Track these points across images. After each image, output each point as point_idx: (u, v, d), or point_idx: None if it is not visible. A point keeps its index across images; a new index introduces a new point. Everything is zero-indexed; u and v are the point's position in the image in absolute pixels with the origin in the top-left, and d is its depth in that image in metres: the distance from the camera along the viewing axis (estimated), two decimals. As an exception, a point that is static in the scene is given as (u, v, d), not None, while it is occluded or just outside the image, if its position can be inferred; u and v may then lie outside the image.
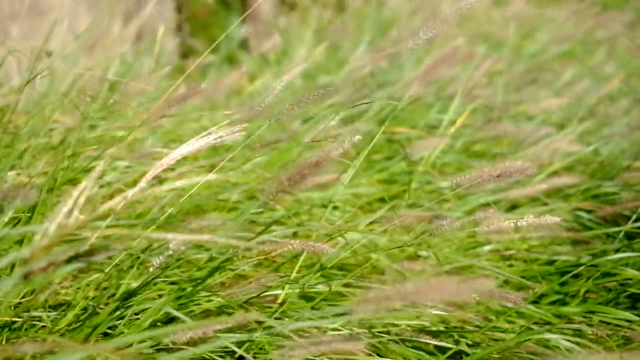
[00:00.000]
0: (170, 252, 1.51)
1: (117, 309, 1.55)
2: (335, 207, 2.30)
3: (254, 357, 1.57)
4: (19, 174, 2.00)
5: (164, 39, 2.99)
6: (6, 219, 1.69)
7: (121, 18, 3.63)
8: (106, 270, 1.66)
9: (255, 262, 1.99)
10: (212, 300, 1.72)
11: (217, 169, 1.75)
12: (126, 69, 3.31)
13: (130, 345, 1.44)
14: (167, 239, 1.50)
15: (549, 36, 5.08)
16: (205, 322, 1.26)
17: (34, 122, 2.21)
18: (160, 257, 1.52)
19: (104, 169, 2.03)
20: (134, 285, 1.63)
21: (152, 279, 1.58)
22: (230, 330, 1.47)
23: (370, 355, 1.71)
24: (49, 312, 1.68)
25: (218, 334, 1.41)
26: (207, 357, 1.60)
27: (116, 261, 1.64)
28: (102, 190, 1.99)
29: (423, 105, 3.34)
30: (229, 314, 1.62)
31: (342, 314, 1.67)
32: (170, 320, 1.69)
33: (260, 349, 1.59)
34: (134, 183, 1.53)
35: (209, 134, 1.47)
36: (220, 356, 1.64)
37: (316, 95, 1.64)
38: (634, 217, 2.31)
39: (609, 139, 3.08)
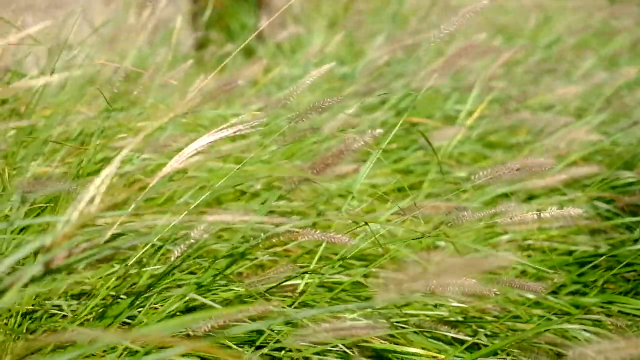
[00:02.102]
0: (192, 240, 1.51)
1: (137, 298, 1.56)
2: (352, 197, 2.31)
3: (276, 343, 1.57)
4: (40, 165, 2.01)
5: (180, 31, 2.99)
6: (27, 209, 1.70)
7: (137, 10, 3.63)
8: (128, 261, 1.67)
9: (274, 253, 2.00)
10: (231, 290, 1.73)
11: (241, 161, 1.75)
12: (143, 60, 3.32)
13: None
14: (197, 220, 1.50)
15: (564, 26, 5.06)
16: (227, 310, 1.27)
17: (54, 113, 2.22)
18: (182, 247, 1.53)
19: (124, 158, 2.03)
20: (156, 274, 1.64)
21: (173, 268, 1.58)
22: (250, 319, 1.48)
23: (389, 344, 1.71)
24: (70, 301, 1.69)
25: (238, 323, 1.42)
26: (227, 344, 1.61)
27: (139, 253, 1.65)
28: (121, 180, 1.99)
29: (440, 96, 3.34)
30: (249, 304, 1.63)
31: (362, 304, 1.68)
32: (190, 310, 1.70)
33: (280, 338, 1.60)
34: (152, 173, 1.54)
35: (230, 125, 1.48)
36: (239, 345, 1.65)
37: (335, 101, 1.64)
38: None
39: (627, 129, 3.07)
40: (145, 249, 1.64)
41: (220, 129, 1.44)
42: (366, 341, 1.70)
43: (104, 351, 1.52)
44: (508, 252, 2.20)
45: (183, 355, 1.54)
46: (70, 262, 1.12)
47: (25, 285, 1.03)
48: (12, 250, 1.58)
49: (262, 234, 1.59)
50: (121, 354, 1.49)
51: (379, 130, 1.54)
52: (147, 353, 1.40)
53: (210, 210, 1.63)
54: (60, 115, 2.24)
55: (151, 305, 1.63)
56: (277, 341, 1.57)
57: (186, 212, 1.53)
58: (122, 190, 1.18)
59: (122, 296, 1.62)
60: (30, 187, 1.38)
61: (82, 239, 1.19)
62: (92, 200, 1.09)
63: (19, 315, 1.57)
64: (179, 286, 1.70)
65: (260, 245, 1.60)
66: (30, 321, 1.62)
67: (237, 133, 1.42)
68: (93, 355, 1.50)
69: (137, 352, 1.44)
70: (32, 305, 1.62)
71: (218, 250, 1.88)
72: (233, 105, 2.92)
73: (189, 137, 2.17)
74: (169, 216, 1.55)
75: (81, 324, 1.59)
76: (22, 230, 1.75)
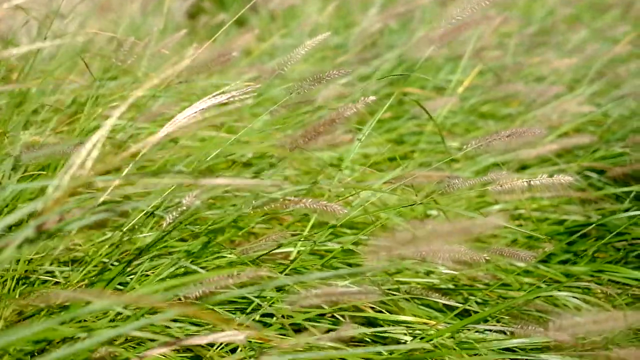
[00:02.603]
0: (184, 207, 1.51)
1: (129, 264, 1.56)
2: (345, 167, 2.31)
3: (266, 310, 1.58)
4: (31, 134, 2.01)
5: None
6: (20, 177, 1.70)
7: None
8: (121, 228, 1.67)
9: (267, 220, 2.00)
10: (223, 258, 1.73)
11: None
12: (136, 30, 3.30)
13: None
14: (191, 184, 1.50)
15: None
16: (218, 273, 1.27)
17: (45, 82, 2.21)
18: (174, 213, 1.53)
19: (118, 127, 2.03)
20: (148, 240, 1.64)
21: (165, 234, 1.59)
22: (241, 286, 1.48)
23: (380, 312, 1.72)
24: (62, 268, 1.70)
25: (229, 290, 1.43)
26: (218, 310, 1.62)
27: (131, 220, 1.65)
28: (114, 149, 1.99)
29: (433, 66, 3.34)
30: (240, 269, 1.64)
31: (352, 270, 1.69)
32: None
33: (271, 305, 1.60)
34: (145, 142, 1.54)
35: (222, 93, 1.48)
36: (230, 312, 1.66)
37: (332, 75, 1.63)
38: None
39: (619, 101, 3.07)
40: (139, 217, 1.65)
41: (213, 96, 1.44)
42: (357, 309, 1.71)
43: (96, 317, 1.53)
44: (497, 217, 2.21)
45: (174, 321, 1.55)
46: (62, 226, 1.12)
47: (20, 247, 1.03)
48: (4, 215, 1.58)
49: (254, 202, 1.59)
50: (112, 319, 1.49)
51: (372, 98, 1.54)
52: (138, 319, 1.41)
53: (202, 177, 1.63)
54: (52, 84, 2.24)
55: (143, 273, 1.64)
56: (270, 306, 1.58)
57: (178, 178, 1.53)
58: (114, 156, 1.18)
59: (114, 263, 1.63)
60: (22, 152, 1.38)
61: (74, 204, 1.19)
62: (83, 164, 1.09)
63: (13, 280, 1.57)
64: (171, 254, 1.71)
65: (253, 213, 1.60)
66: (23, 286, 1.62)
67: (230, 99, 1.42)
68: (85, 320, 1.50)
69: (128, 317, 1.45)
70: (25, 271, 1.62)
71: (210, 218, 1.89)
72: (226, 75, 2.91)
73: (182, 106, 2.17)
74: (162, 182, 1.56)
75: (74, 291, 1.60)
76: (15, 198, 1.75)
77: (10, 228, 1.56)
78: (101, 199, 1.34)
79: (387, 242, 1.13)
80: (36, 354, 1.41)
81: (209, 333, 1.13)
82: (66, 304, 1.43)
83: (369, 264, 1.17)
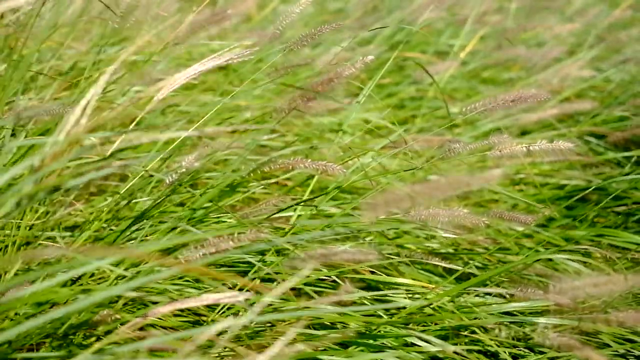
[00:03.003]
0: (183, 170, 1.51)
1: (129, 227, 1.56)
2: (344, 132, 2.31)
3: (267, 274, 1.58)
4: (30, 99, 2.01)
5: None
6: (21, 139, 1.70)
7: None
8: (120, 192, 1.67)
9: (267, 185, 2.00)
10: (223, 222, 1.73)
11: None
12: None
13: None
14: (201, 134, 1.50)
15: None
16: (219, 235, 1.27)
17: (44, 47, 2.20)
18: (173, 175, 1.53)
19: (113, 88, 2.03)
20: (148, 204, 1.64)
21: (165, 197, 1.59)
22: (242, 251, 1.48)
23: (379, 275, 1.72)
24: (63, 233, 1.70)
25: (229, 255, 1.43)
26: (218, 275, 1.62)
27: (129, 183, 1.65)
28: (112, 112, 1.98)
29: (434, 31, 3.32)
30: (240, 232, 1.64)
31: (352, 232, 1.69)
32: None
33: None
34: (144, 106, 1.53)
35: (221, 54, 1.47)
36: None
37: (331, 28, 1.62)
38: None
39: (620, 66, 3.06)
40: (137, 178, 1.64)
41: (212, 57, 1.43)
42: (357, 273, 1.71)
43: (96, 281, 1.53)
44: (499, 187, 2.21)
45: (173, 284, 1.55)
46: (61, 182, 1.12)
47: (19, 204, 1.03)
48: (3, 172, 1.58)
49: (254, 164, 1.59)
50: (113, 283, 1.50)
51: (370, 57, 1.53)
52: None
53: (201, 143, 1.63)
54: (51, 50, 2.23)
55: (142, 238, 1.64)
56: (274, 265, 1.58)
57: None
58: (110, 113, 1.18)
59: (112, 228, 1.63)
60: (21, 112, 1.38)
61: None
62: (78, 121, 1.09)
63: (14, 246, 1.57)
64: (171, 219, 1.71)
65: (253, 175, 1.60)
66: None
67: (229, 61, 1.42)
68: (88, 284, 1.51)
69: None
70: (27, 237, 1.62)
71: (210, 181, 1.89)
72: (226, 40, 2.90)
73: (181, 70, 2.16)
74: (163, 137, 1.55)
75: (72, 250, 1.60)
76: (12, 161, 1.75)
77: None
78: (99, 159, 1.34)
79: (385, 200, 1.12)
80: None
81: (209, 295, 1.13)
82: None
83: (365, 216, 1.17)
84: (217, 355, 1.40)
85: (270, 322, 1.53)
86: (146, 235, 1.66)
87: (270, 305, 1.50)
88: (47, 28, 2.46)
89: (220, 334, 1.17)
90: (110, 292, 1.09)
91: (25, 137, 1.78)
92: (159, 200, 1.59)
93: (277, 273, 1.57)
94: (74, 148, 1.05)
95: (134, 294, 1.39)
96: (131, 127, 1.45)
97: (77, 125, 1.05)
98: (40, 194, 1.08)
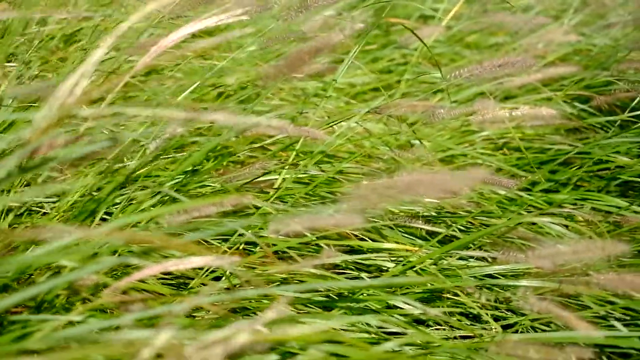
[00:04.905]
0: (168, 135, 1.51)
1: (113, 191, 1.56)
2: (329, 97, 2.31)
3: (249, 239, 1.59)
4: (18, 70, 2.00)
5: None
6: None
7: None
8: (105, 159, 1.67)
9: (252, 149, 2.01)
10: (206, 186, 1.74)
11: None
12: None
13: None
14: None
15: None
16: (200, 201, 1.28)
17: (26, 15, 2.19)
18: (157, 141, 1.53)
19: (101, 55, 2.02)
20: (132, 167, 1.64)
21: (149, 161, 1.59)
22: (225, 215, 1.49)
23: (363, 239, 1.74)
24: (51, 199, 1.70)
25: (213, 219, 1.43)
26: (203, 242, 1.63)
27: (116, 150, 1.65)
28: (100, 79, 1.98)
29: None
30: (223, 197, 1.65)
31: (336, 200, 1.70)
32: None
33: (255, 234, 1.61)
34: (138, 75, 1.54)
35: (210, 16, 1.47)
36: (215, 239, 1.67)
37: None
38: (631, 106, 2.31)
39: (604, 31, 3.07)
40: (124, 144, 1.64)
41: (201, 20, 1.43)
42: (341, 237, 1.72)
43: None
44: (482, 150, 2.22)
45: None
46: (51, 156, 1.12)
47: (9, 176, 1.04)
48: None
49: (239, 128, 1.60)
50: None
51: (360, 25, 1.54)
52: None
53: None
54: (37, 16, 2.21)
55: (126, 203, 1.64)
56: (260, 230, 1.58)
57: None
58: (100, 86, 1.18)
59: (94, 193, 1.63)
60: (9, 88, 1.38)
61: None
62: (71, 92, 1.09)
63: (2, 212, 1.58)
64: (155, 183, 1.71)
65: (237, 140, 1.61)
66: (14, 217, 1.62)
67: (217, 23, 1.41)
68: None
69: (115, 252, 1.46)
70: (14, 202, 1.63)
71: (194, 146, 1.89)
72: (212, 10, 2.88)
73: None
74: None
75: (59, 221, 1.60)
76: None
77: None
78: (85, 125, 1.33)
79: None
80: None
81: (194, 258, 1.14)
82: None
83: (353, 193, 1.18)
84: (201, 318, 1.42)
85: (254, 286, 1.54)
86: (131, 200, 1.66)
87: (254, 269, 1.51)
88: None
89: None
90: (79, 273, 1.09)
91: (15, 110, 1.78)
92: (143, 164, 1.59)
93: (260, 236, 1.57)
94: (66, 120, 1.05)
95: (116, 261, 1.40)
96: (116, 90, 1.44)
97: (71, 96, 1.05)
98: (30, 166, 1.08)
